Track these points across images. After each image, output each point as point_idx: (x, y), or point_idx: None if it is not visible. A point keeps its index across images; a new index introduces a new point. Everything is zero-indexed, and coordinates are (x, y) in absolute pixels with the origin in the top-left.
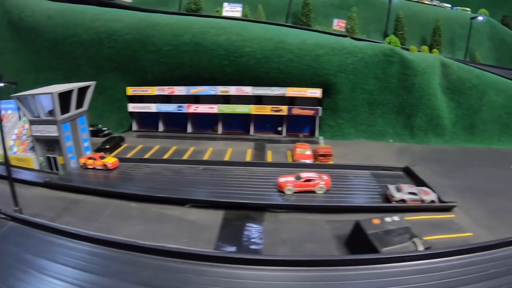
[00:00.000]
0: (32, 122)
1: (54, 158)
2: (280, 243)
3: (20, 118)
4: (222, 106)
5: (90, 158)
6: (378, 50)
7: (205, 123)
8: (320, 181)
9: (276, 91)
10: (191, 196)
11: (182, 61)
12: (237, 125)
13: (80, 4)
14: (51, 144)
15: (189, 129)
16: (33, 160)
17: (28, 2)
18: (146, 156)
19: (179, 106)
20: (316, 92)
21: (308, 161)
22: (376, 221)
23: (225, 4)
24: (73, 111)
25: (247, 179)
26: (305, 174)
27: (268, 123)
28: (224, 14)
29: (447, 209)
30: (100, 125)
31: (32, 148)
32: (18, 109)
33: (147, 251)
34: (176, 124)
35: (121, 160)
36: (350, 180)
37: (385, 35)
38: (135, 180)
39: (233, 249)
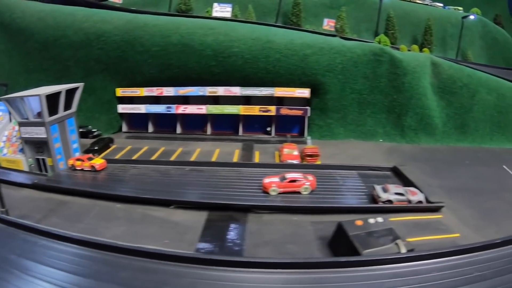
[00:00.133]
0: (21, 124)
1: (43, 159)
2: (262, 244)
3: (10, 120)
4: (211, 107)
5: (78, 159)
6: (367, 50)
7: (194, 124)
8: (305, 182)
9: (264, 91)
10: (176, 197)
11: (170, 62)
12: (226, 126)
13: (71, 6)
14: (40, 146)
15: (179, 130)
16: (23, 161)
17: (18, 4)
18: (134, 157)
19: (168, 107)
20: (305, 92)
21: (295, 162)
22: (359, 223)
23: (215, 4)
24: (61, 112)
25: (232, 180)
26: (290, 175)
27: (257, 124)
28: (214, 14)
29: (435, 210)
30: (90, 126)
31: (22, 150)
32: (8, 111)
33: (126, 252)
34: (165, 125)
35: (109, 161)
36: (336, 180)
37: (376, 34)
38: (121, 181)
39: (214, 250)
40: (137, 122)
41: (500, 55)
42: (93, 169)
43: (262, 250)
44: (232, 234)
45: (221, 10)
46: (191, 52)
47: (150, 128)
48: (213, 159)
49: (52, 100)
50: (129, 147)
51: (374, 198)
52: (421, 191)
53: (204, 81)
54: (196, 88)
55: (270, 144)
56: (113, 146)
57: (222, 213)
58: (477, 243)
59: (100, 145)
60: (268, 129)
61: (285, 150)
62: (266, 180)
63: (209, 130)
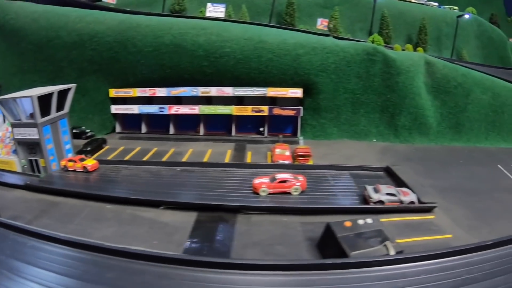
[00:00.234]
0: (14, 125)
1: (36, 160)
2: (250, 245)
3: (4, 121)
4: (203, 107)
5: (70, 160)
6: (360, 49)
7: (187, 124)
8: (296, 182)
9: (257, 91)
10: (165, 198)
11: (162, 62)
12: (219, 126)
13: (66, 7)
14: (32, 147)
15: (172, 130)
16: (16, 163)
17: (12, 5)
18: (127, 158)
19: (161, 108)
20: (297, 92)
21: (286, 162)
22: (348, 224)
23: (209, 4)
24: (53, 114)
25: (223, 180)
26: (280, 176)
27: (250, 124)
28: (208, 14)
29: (427, 210)
30: (83, 127)
31: (15, 151)
32: (2, 112)
33: (112, 253)
34: (159, 125)
35: (101, 162)
36: (327, 181)
37: (370, 34)
38: (113, 182)
39: (202, 251)
40: (131, 123)
41: (496, 54)
42: (85, 170)
43: (250, 251)
44: (220, 234)
45: (215, 10)
46: (183, 53)
47: (144, 129)
48: (205, 159)
49: (44, 101)
50: (122, 148)
51: (365, 199)
52: (413, 192)
53: (197, 82)
54: (188, 88)
55: (263, 144)
56: (106, 147)
57: (212, 213)
58: (467, 245)
59: (93, 146)
60: (261, 129)
61: (277, 151)
62: (256, 181)
63: (202, 130)
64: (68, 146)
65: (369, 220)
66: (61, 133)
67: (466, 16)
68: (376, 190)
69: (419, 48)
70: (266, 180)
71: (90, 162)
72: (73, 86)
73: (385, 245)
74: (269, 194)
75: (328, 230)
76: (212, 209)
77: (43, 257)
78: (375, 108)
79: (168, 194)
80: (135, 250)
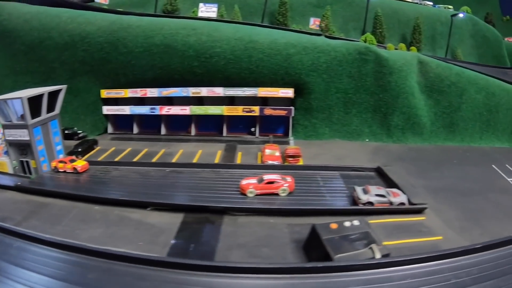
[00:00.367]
0: (5, 127)
1: (27, 162)
2: (235, 247)
3: None
4: (195, 107)
5: (60, 161)
6: (352, 49)
7: (178, 125)
8: (284, 183)
9: (248, 91)
10: (153, 199)
11: (153, 63)
12: (210, 127)
13: (58, 7)
14: (23, 148)
15: (163, 131)
16: (7, 164)
17: (4, 6)
18: (117, 158)
19: (152, 108)
20: (288, 92)
21: (276, 163)
22: (334, 226)
23: (201, 4)
24: (44, 115)
25: (211, 181)
26: (267, 176)
27: (241, 124)
28: (200, 14)
29: (417, 211)
30: (75, 128)
31: (7, 153)
32: None
33: (95, 254)
34: (150, 126)
35: (92, 163)
36: (316, 182)
37: (364, 33)
38: (101, 183)
39: (186, 252)
40: (122, 124)
41: (491, 54)
42: (75, 171)
43: (235, 253)
44: (206, 236)
45: (207, 10)
46: (173, 53)
47: (135, 130)
48: (195, 160)
49: (35, 103)
50: (113, 149)
51: (354, 200)
52: (403, 192)
53: (187, 82)
54: (179, 89)
55: (254, 144)
56: (97, 148)
57: (198, 215)
58: (455, 248)
59: (84, 147)
60: (253, 129)
61: (267, 151)
62: (244, 182)
63: (193, 131)
64: (59, 147)
65: (355, 222)
66: (52, 134)
67: (461, 15)
68: (365, 191)
69: (412, 47)
70: (253, 181)
71: (80, 163)
72: (63, 87)
73: (371, 248)
74: (257, 195)
75: (314, 232)
76: (199, 210)
77: (28, 258)
78: (367, 108)
79: (156, 195)
80: (117, 252)
